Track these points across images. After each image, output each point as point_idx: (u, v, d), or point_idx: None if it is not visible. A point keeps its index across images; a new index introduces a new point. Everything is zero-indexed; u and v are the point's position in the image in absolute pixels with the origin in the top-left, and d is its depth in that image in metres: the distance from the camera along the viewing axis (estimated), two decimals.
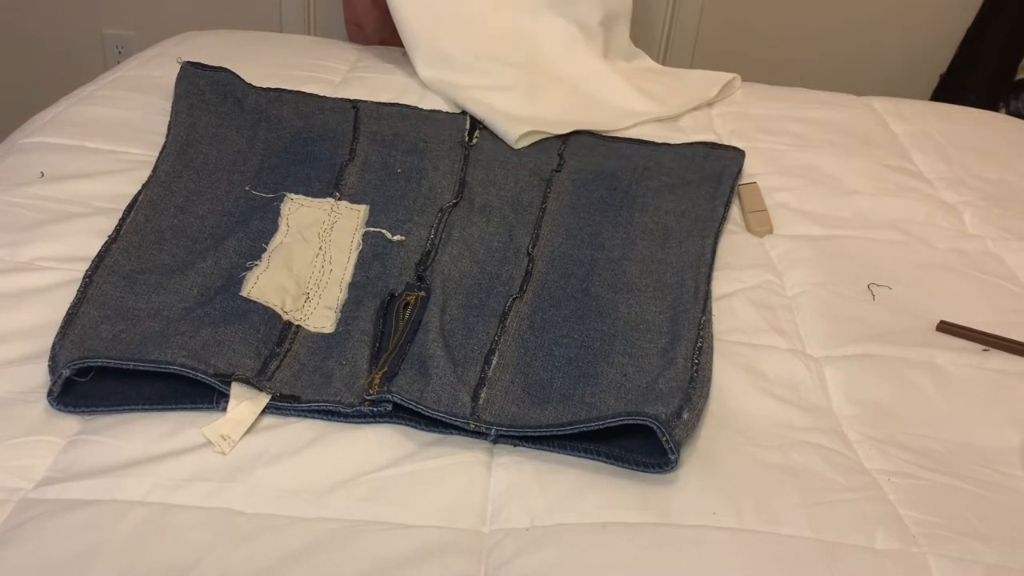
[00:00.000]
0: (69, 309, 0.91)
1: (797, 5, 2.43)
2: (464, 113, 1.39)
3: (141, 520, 0.72)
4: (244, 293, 0.94)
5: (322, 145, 1.26)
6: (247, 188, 1.16)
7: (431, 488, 0.78)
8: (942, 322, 1.03)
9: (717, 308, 1.03)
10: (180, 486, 0.76)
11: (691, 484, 0.80)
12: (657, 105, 1.51)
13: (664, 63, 2.53)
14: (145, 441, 0.79)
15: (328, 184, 1.18)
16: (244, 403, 0.83)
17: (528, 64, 1.54)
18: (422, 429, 0.84)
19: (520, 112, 1.39)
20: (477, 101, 1.40)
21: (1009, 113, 2.28)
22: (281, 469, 0.78)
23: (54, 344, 0.87)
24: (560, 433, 0.82)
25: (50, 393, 0.82)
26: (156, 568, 0.68)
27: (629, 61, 1.73)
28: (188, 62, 1.38)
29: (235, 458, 0.79)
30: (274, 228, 1.07)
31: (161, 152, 1.20)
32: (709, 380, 0.91)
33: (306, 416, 0.84)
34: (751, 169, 1.32)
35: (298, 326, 0.94)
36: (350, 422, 0.84)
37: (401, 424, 0.84)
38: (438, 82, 1.48)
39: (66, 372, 0.81)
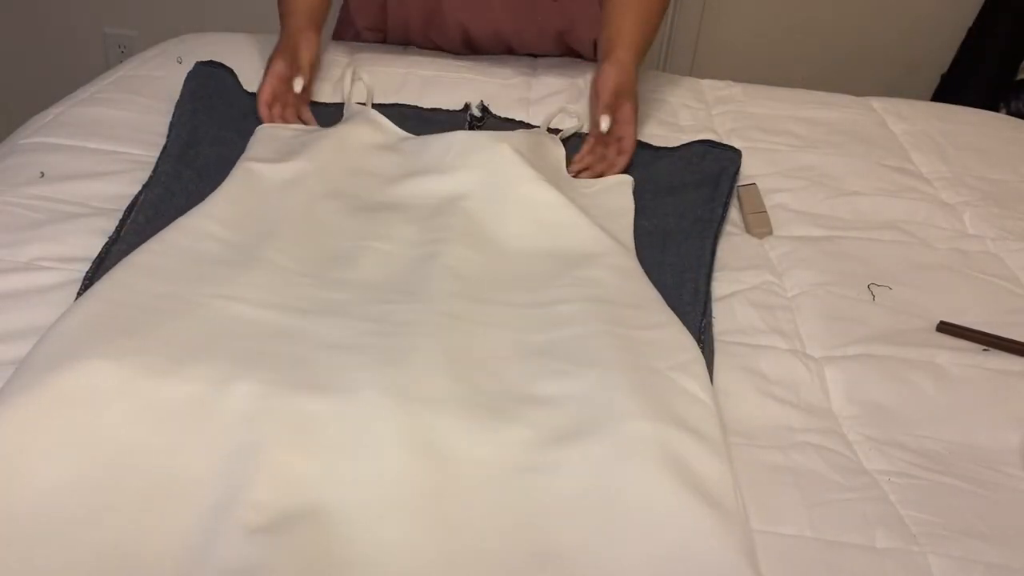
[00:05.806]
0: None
1: (797, 5, 2.44)
2: (465, 110, 1.39)
3: None
4: None
5: None
6: None
7: None
8: (942, 322, 1.03)
9: (717, 309, 1.03)
10: None
11: None
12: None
13: (665, 64, 2.54)
14: None
15: None
16: None
17: None
18: None
19: None
20: None
21: (1009, 113, 2.28)
22: None
23: None
24: None
25: None
26: None
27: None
28: (200, 61, 1.38)
29: None
30: None
31: (162, 153, 1.20)
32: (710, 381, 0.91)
33: None
34: (750, 169, 1.32)
35: None
36: None
37: None
38: None
39: None
